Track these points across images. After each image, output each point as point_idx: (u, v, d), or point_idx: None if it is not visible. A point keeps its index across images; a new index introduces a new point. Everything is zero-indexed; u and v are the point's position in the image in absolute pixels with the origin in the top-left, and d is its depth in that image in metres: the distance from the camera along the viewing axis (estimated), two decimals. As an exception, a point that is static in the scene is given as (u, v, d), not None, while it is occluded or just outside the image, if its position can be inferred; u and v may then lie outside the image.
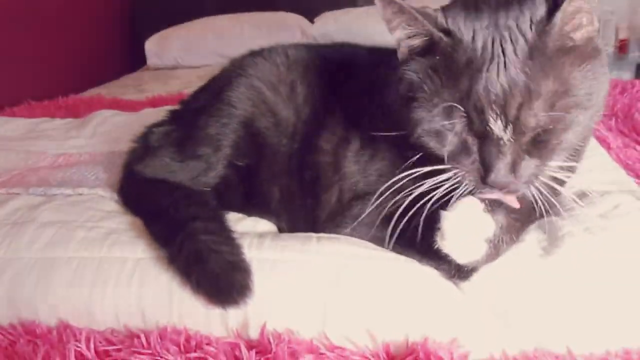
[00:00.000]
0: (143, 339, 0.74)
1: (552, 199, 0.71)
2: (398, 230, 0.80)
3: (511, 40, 0.65)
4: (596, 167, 1.07)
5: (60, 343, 0.75)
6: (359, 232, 0.87)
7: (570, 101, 0.65)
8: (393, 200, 0.78)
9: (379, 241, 0.85)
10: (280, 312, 0.77)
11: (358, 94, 0.97)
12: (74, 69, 2.96)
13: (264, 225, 0.98)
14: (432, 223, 0.72)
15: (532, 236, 0.82)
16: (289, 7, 3.16)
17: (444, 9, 0.72)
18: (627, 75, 2.96)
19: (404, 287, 0.77)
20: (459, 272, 0.75)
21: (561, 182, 0.76)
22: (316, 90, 1.04)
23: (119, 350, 0.74)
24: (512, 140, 0.65)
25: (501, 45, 0.65)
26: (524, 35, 0.65)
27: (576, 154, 0.78)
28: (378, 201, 0.80)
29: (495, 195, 0.71)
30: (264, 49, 1.14)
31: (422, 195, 0.72)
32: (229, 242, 0.81)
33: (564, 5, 0.64)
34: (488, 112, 0.64)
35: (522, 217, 0.77)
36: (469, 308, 0.74)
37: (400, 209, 0.76)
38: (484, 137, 0.67)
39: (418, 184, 0.72)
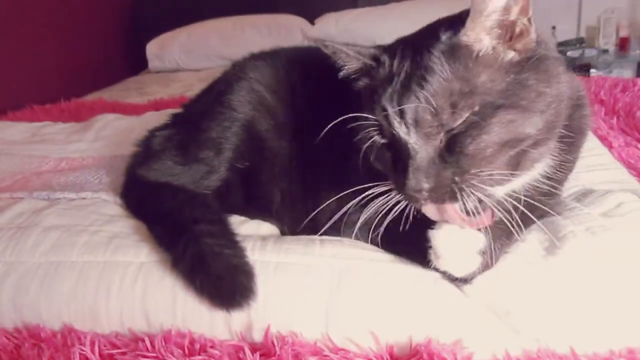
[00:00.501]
0: (147, 342, 0.75)
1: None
2: (399, 234, 0.81)
3: (418, 57, 0.69)
4: (597, 166, 1.07)
5: (64, 347, 0.76)
6: (359, 236, 0.87)
7: (478, 101, 0.65)
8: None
9: (377, 245, 0.85)
10: (283, 314, 0.77)
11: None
12: (76, 73, 2.97)
13: (267, 228, 0.99)
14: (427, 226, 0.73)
15: (534, 236, 0.82)
16: (290, 9, 3.16)
17: (389, 44, 0.77)
18: (628, 73, 2.97)
19: (406, 289, 0.77)
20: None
21: (558, 181, 0.76)
22: (316, 93, 1.04)
23: (123, 353, 0.75)
24: (419, 144, 0.67)
25: (410, 60, 0.69)
26: (429, 51, 0.68)
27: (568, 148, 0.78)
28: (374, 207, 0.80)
29: (456, 221, 0.70)
30: (265, 52, 1.15)
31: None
32: (232, 245, 0.81)
33: (467, 27, 0.66)
34: (391, 116, 0.68)
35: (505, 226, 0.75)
36: (472, 309, 0.74)
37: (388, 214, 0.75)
38: (395, 145, 0.69)
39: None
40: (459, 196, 0.66)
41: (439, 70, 0.66)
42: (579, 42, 3.14)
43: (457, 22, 0.68)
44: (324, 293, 0.77)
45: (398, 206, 0.72)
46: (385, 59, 0.73)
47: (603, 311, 0.72)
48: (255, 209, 1.03)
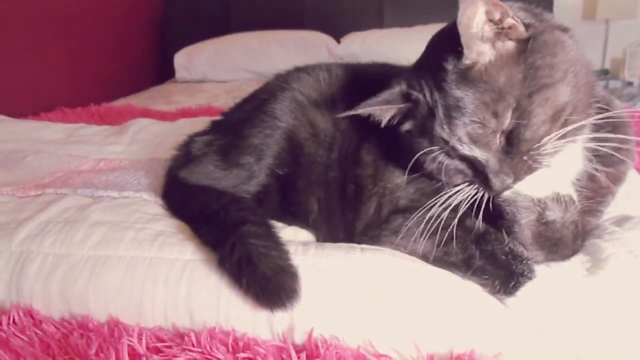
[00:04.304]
0: (193, 338, 0.76)
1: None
2: (441, 245, 0.84)
3: (441, 90, 0.77)
4: (634, 195, 1.08)
5: (112, 338, 0.78)
6: (398, 246, 0.89)
7: (512, 99, 0.72)
8: (430, 214, 0.82)
9: (418, 256, 0.87)
10: (325, 318, 0.79)
11: None
12: (105, 78, 3.04)
13: (304, 235, 1.00)
14: (471, 237, 0.82)
15: (576, 257, 0.83)
16: (316, 26, 3.22)
17: (407, 77, 0.85)
18: (652, 106, 2.98)
19: (449, 300, 0.78)
20: (503, 287, 0.77)
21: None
22: (355, 104, 1.07)
23: (169, 347, 0.76)
24: (485, 154, 0.76)
25: (438, 92, 0.77)
26: (446, 82, 0.76)
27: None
28: (419, 215, 0.83)
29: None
30: (308, 66, 1.18)
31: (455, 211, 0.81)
32: (278, 247, 0.83)
33: (465, 54, 0.74)
34: (452, 142, 0.77)
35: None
36: (513, 324, 0.75)
37: (442, 223, 0.81)
38: (465, 160, 0.79)
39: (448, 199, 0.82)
40: (537, 167, 0.76)
41: (465, 95, 0.75)
42: (604, 73, 3.16)
43: (450, 39, 0.75)
44: (367, 299, 0.79)
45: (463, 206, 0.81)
46: (417, 96, 0.81)
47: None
48: (292, 217, 1.04)
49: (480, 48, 0.74)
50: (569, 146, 0.77)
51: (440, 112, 0.77)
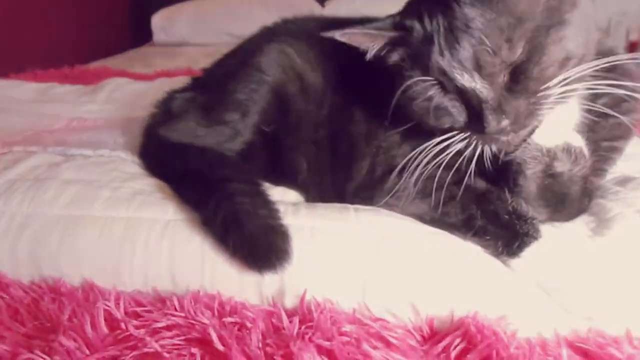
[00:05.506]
0: (175, 302, 0.71)
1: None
2: (439, 205, 0.79)
3: (448, 10, 0.69)
4: (635, 156, 1.04)
5: (86, 302, 0.72)
6: (393, 207, 0.84)
7: (529, 27, 0.66)
8: (427, 173, 0.77)
9: (415, 217, 0.82)
10: (318, 280, 0.74)
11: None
12: (78, 40, 2.90)
13: (293, 195, 0.95)
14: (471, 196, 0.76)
15: (578, 217, 0.79)
16: (301, -11, 3.11)
17: (396, 14, 0.78)
18: (636, 76, 2.96)
19: (448, 261, 0.74)
20: (507, 248, 0.72)
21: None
22: (347, 60, 1.01)
23: (149, 312, 0.70)
24: (486, 87, 0.68)
25: (442, 16, 0.70)
26: (456, 2, 0.68)
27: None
28: (415, 175, 0.78)
29: None
30: (296, 17, 1.11)
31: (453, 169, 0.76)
32: (267, 205, 0.77)
33: None
34: (450, 70, 0.69)
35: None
36: (518, 285, 0.71)
37: (439, 182, 0.77)
38: (463, 95, 0.70)
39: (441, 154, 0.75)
40: (537, 116, 0.69)
41: (478, 14, 0.67)
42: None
43: None
44: (362, 261, 0.74)
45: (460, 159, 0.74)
46: (412, 24, 0.73)
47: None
48: (280, 176, 0.99)
49: None
50: (572, 95, 0.72)
51: (440, 38, 0.69)
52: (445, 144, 0.74)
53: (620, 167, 0.97)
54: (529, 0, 0.66)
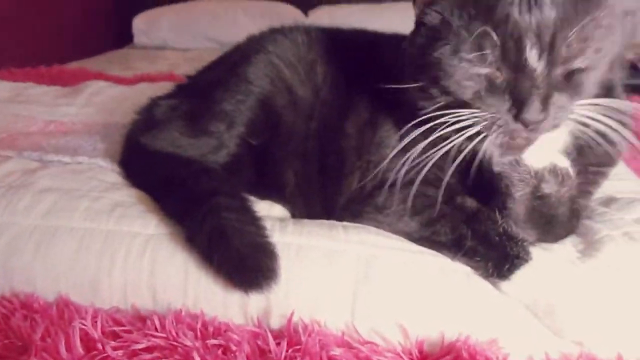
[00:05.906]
0: (156, 321, 0.68)
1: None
2: (429, 224, 0.78)
3: None
4: (615, 177, 1.04)
5: (61, 320, 0.68)
6: (381, 224, 0.83)
7: (598, 32, 0.64)
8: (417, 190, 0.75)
9: (404, 235, 0.80)
10: (305, 301, 0.72)
11: (380, 76, 0.93)
12: (56, 40, 2.83)
13: (279, 210, 0.93)
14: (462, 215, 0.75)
15: (566, 239, 0.79)
16: (285, -2, 3.10)
17: None
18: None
19: (438, 282, 0.72)
20: (497, 270, 0.71)
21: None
22: (337, 72, 0.99)
23: (128, 332, 0.67)
24: (545, 72, 0.64)
25: None
26: None
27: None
28: (405, 191, 0.77)
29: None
30: (284, 27, 1.09)
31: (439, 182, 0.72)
32: (255, 222, 0.75)
33: None
34: (525, 39, 0.63)
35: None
36: (508, 308, 0.70)
37: (429, 200, 0.76)
38: (517, 69, 0.64)
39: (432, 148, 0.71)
40: (557, 126, 0.67)
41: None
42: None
43: None
44: (351, 281, 0.72)
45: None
46: None
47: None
48: (266, 190, 0.96)
49: None
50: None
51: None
52: (444, 132, 0.69)
53: (603, 188, 0.97)
54: (610, 20, 0.65)
